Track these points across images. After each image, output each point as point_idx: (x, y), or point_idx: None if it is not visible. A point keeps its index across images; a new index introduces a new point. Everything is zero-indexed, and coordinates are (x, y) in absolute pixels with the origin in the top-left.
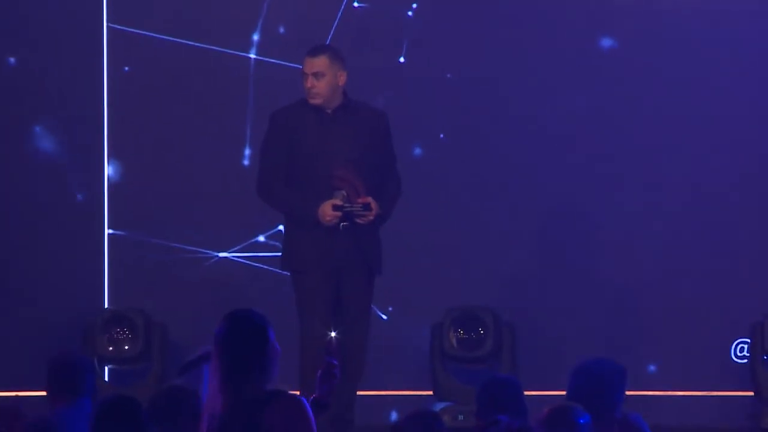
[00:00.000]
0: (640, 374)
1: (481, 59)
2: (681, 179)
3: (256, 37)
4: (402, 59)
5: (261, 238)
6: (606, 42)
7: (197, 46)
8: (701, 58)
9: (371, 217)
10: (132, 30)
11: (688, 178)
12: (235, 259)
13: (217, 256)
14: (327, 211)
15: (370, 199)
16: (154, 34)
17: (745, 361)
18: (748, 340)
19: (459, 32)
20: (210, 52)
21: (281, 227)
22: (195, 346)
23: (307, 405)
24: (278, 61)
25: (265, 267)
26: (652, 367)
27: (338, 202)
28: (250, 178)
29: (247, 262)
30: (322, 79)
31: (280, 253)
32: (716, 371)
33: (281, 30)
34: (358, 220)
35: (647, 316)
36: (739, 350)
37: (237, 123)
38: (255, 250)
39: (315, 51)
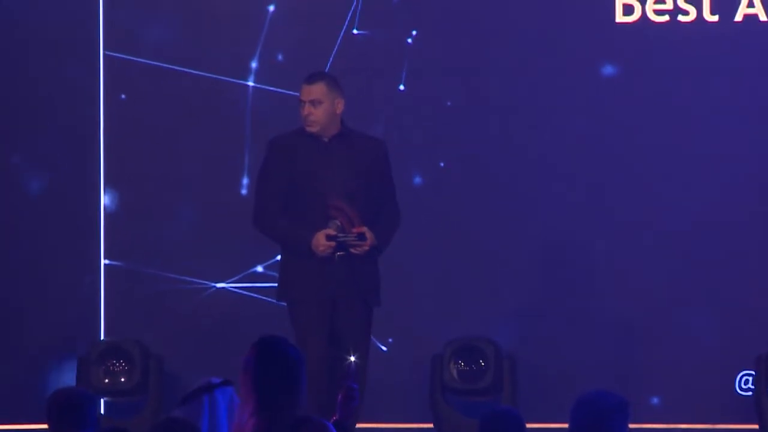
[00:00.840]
0: (643, 407)
1: (481, 87)
2: (685, 210)
3: (254, 65)
4: (402, 87)
5: (259, 269)
6: (608, 69)
7: (194, 73)
8: (704, 86)
9: (366, 247)
10: (129, 57)
11: (692, 209)
12: (233, 289)
13: (215, 286)
14: (321, 241)
15: (365, 229)
16: (151, 62)
17: (750, 393)
18: (753, 373)
19: (459, 60)
20: (207, 80)
21: (279, 257)
22: (193, 378)
23: (334, 430)
24: (277, 89)
25: (264, 298)
26: (655, 400)
27: (332, 231)
28: (248, 207)
29: (245, 292)
30: (320, 107)
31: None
32: (720, 404)
33: (279, 57)
34: (352, 250)
35: (650, 347)
36: (744, 382)
37: (234, 151)
38: (253, 281)
39: (312, 78)
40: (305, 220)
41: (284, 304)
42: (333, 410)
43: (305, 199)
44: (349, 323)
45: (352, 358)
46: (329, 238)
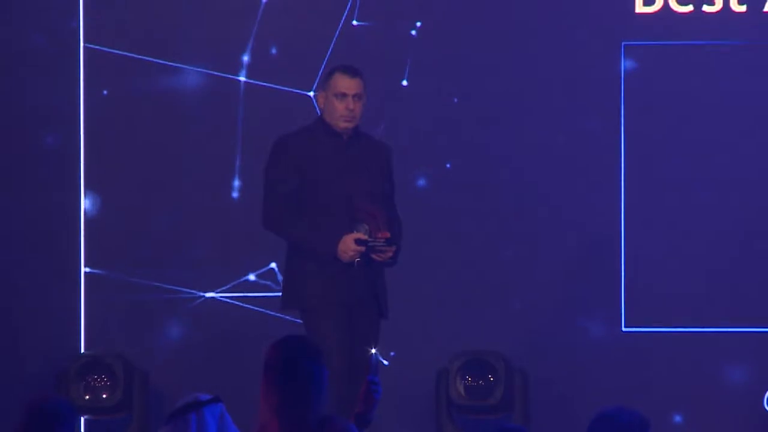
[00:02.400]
0: (665, 425)
1: (491, 82)
2: (709, 220)
3: (246, 59)
4: (405, 82)
5: (251, 277)
6: (627, 63)
7: (182, 67)
8: (731, 81)
9: (390, 254)
10: (111, 50)
11: (717, 216)
12: (223, 299)
13: (204, 296)
14: (350, 246)
15: (389, 234)
16: (135, 55)
17: None
18: None
19: (467, 53)
20: (196, 75)
21: (273, 265)
22: (180, 395)
23: (356, 430)
24: (270, 85)
25: (256, 308)
26: (677, 418)
27: (362, 236)
28: (240, 211)
29: (237, 302)
30: (359, 102)
31: (279, 292)
32: (746, 422)
33: (273, 51)
34: (375, 256)
35: (672, 361)
36: None
37: (225, 152)
38: (245, 290)
39: (354, 71)
40: (325, 222)
41: (282, 315)
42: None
43: (328, 200)
44: (363, 334)
45: (373, 351)
46: (359, 242)
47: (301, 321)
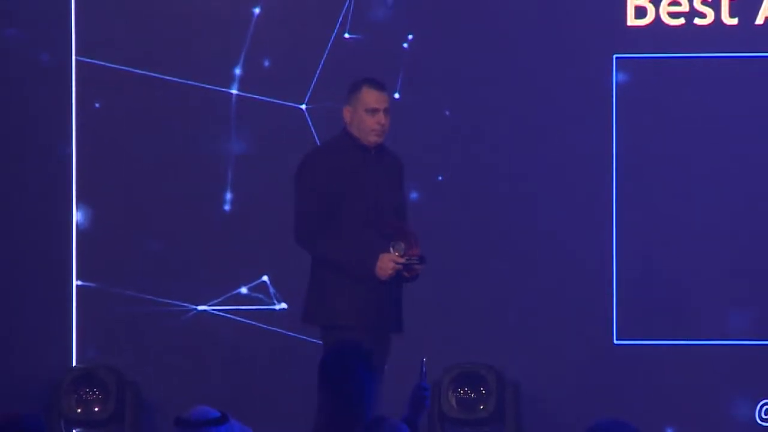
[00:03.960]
0: None
1: (483, 95)
2: (699, 229)
3: (238, 71)
4: (397, 95)
5: (243, 290)
6: (619, 76)
7: (174, 81)
8: (722, 94)
9: (419, 271)
10: (103, 63)
11: (707, 225)
12: (215, 312)
13: (196, 309)
14: (389, 265)
15: (419, 252)
16: (127, 68)
17: None
18: None
19: (459, 66)
20: (188, 88)
21: (265, 278)
22: (172, 409)
23: (407, 430)
24: (262, 98)
25: (248, 321)
26: (669, 430)
27: (398, 254)
28: (232, 224)
29: (229, 315)
30: (388, 116)
31: (270, 306)
32: None
33: (266, 63)
34: (406, 274)
35: (664, 374)
36: (765, 412)
37: (218, 164)
38: (237, 303)
39: (381, 84)
40: (360, 238)
41: (273, 328)
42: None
43: (359, 214)
44: (380, 351)
45: (425, 359)
46: (396, 261)
47: (320, 340)
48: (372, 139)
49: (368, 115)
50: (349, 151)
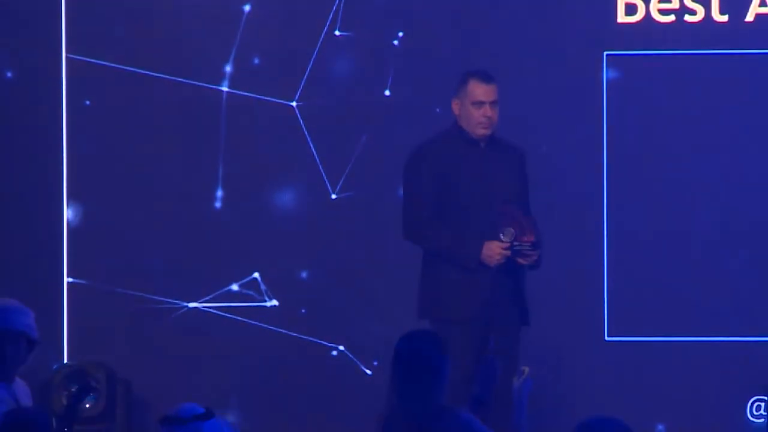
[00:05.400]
0: None
1: None
2: (691, 226)
3: (228, 69)
4: (387, 92)
5: (234, 287)
6: (609, 73)
7: (164, 78)
8: (712, 91)
9: (535, 257)
10: (93, 60)
11: (698, 223)
12: (206, 309)
13: (187, 306)
14: (496, 250)
15: (533, 238)
16: (118, 65)
17: (762, 420)
18: (766, 398)
19: (450, 63)
20: (178, 85)
21: (256, 275)
22: (163, 405)
23: (474, 422)
24: (253, 95)
25: (239, 318)
26: (660, 427)
27: (506, 240)
28: (223, 221)
29: (220, 312)
30: (496, 108)
31: (261, 302)
32: (731, 431)
33: (256, 61)
34: (521, 260)
35: (655, 371)
36: (756, 408)
37: (208, 162)
38: (228, 300)
39: (489, 77)
40: (468, 230)
41: (266, 325)
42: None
43: (468, 207)
44: (504, 345)
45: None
46: (504, 247)
47: None
48: (480, 132)
49: (475, 108)
50: (457, 144)
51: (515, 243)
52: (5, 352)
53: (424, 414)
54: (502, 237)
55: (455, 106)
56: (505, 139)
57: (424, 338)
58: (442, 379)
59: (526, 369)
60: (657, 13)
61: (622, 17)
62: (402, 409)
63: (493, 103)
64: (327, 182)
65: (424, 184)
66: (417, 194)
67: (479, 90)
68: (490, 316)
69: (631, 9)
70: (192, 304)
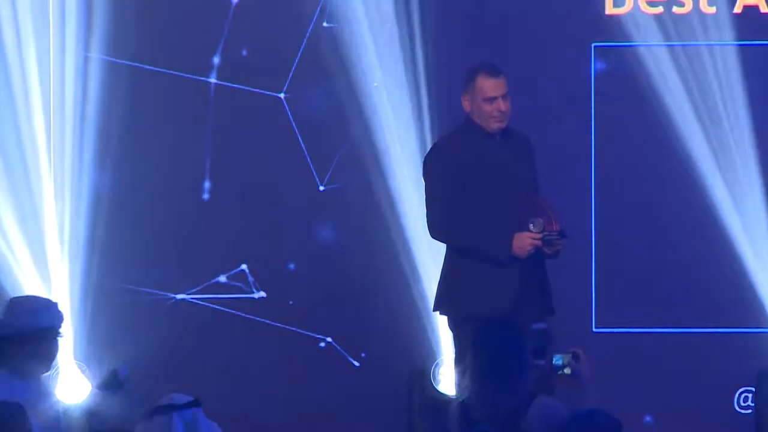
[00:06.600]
0: (636, 426)
1: (462, 84)
2: (679, 220)
3: (216, 60)
4: (376, 84)
5: (222, 279)
6: (598, 64)
7: (151, 70)
8: (701, 82)
9: (561, 246)
10: (81, 53)
11: (687, 217)
12: (194, 301)
13: (175, 297)
14: (527, 242)
15: (559, 227)
16: (105, 57)
17: (750, 411)
18: (753, 389)
19: (437, 54)
20: (166, 77)
21: (244, 267)
22: (152, 396)
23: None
24: (241, 87)
25: (227, 310)
26: (648, 418)
27: (536, 230)
28: (210, 213)
29: (207, 304)
30: (507, 100)
31: (249, 294)
32: (718, 422)
33: (244, 52)
34: (548, 249)
35: (643, 362)
36: (743, 400)
37: (196, 153)
38: (216, 292)
39: (496, 70)
40: (493, 223)
41: (253, 317)
42: None
43: (488, 201)
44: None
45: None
46: (533, 237)
47: (452, 330)
48: (494, 125)
49: (486, 103)
50: (474, 139)
51: (545, 232)
52: (52, 349)
53: (512, 401)
54: (531, 227)
55: (465, 103)
56: (515, 129)
57: (506, 328)
58: (523, 363)
59: (580, 350)
60: (645, 4)
61: (610, 9)
62: (490, 396)
63: (504, 96)
64: (315, 174)
65: (446, 181)
66: (441, 191)
67: (488, 85)
68: (511, 311)
69: (619, 1)
70: (180, 296)
